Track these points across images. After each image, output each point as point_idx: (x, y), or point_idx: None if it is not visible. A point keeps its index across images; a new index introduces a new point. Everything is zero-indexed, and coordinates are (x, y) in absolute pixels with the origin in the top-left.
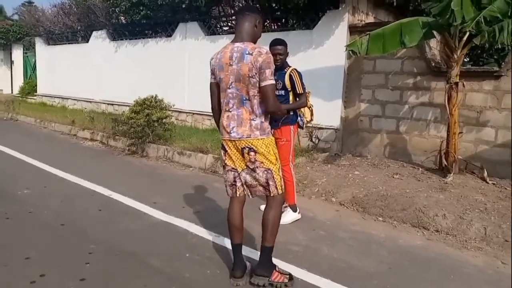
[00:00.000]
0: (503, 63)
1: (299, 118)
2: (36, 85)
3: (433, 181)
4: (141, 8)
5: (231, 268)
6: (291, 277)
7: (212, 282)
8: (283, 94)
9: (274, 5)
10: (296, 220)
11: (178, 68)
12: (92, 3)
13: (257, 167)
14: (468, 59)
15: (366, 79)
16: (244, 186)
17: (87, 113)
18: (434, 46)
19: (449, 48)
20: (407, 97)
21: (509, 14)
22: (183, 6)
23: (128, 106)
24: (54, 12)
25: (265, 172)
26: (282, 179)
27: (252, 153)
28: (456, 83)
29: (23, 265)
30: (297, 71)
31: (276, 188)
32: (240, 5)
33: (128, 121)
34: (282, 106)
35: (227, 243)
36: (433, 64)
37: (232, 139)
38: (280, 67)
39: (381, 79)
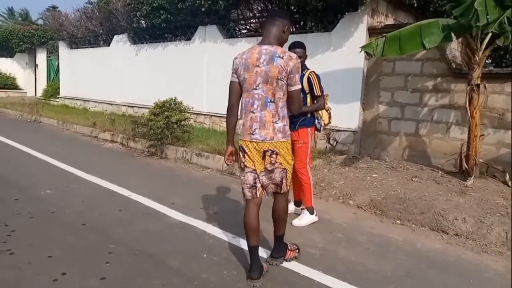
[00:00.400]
0: None
1: (316, 120)
2: (58, 88)
3: (453, 185)
4: (162, 12)
5: (247, 270)
6: (299, 249)
7: (229, 283)
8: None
9: (292, 7)
10: (313, 223)
11: (196, 71)
12: (114, 7)
13: (276, 168)
14: (490, 60)
15: (385, 81)
16: (262, 187)
17: (107, 115)
18: (454, 47)
19: (471, 49)
20: (427, 99)
21: None
22: (202, 9)
23: (148, 108)
24: (77, 17)
25: (282, 172)
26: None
27: (274, 156)
28: (478, 85)
29: (46, 263)
30: (315, 73)
31: (287, 185)
32: (259, 8)
33: (148, 123)
34: (306, 108)
35: (243, 244)
36: (454, 66)
37: (254, 140)
38: None
39: (401, 81)
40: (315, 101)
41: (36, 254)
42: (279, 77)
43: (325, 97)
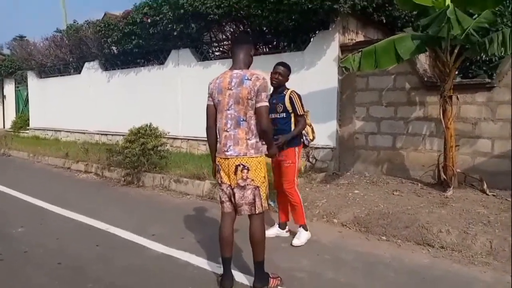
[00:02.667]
0: (494, 75)
1: (304, 137)
2: (28, 119)
3: (433, 196)
4: (133, 37)
5: (218, 280)
6: (280, 278)
7: None
8: (284, 116)
9: (265, 28)
10: (302, 245)
11: (171, 95)
12: (84, 34)
13: (247, 184)
14: (457, 72)
15: (360, 96)
16: (235, 203)
17: (80, 145)
18: (424, 61)
19: (441, 62)
20: (402, 112)
21: (498, 22)
22: (175, 33)
23: (123, 135)
24: (45, 45)
25: (254, 190)
26: (267, 197)
27: (245, 171)
28: (450, 97)
29: None
30: (296, 92)
31: (262, 205)
32: (231, 30)
33: (123, 150)
34: (286, 135)
35: None
36: (425, 79)
37: (228, 157)
38: (278, 90)
39: (375, 96)
40: (298, 120)
41: None
42: (249, 97)
43: (306, 113)
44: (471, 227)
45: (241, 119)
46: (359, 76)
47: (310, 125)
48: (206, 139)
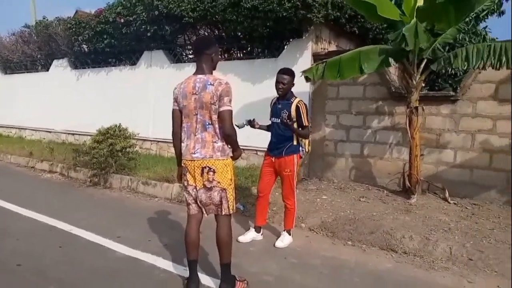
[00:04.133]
0: (458, 88)
1: (300, 148)
2: None
3: (398, 203)
4: (105, 36)
5: (184, 283)
6: (247, 281)
7: None
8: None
9: (240, 34)
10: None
11: (142, 96)
12: (54, 31)
13: (214, 186)
14: (424, 84)
15: (330, 105)
16: (201, 204)
17: (46, 144)
18: (392, 72)
19: (408, 74)
20: (370, 121)
21: (465, 40)
22: (148, 34)
23: (90, 135)
24: (12, 41)
25: (220, 192)
26: (234, 200)
27: (211, 173)
28: (416, 108)
29: None
30: (303, 102)
31: (228, 207)
32: (206, 33)
33: (90, 151)
34: (292, 127)
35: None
36: (393, 90)
37: (195, 159)
38: (285, 97)
39: (345, 105)
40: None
41: None
42: (211, 102)
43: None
44: (432, 233)
45: (207, 123)
46: (330, 85)
47: (309, 139)
48: None
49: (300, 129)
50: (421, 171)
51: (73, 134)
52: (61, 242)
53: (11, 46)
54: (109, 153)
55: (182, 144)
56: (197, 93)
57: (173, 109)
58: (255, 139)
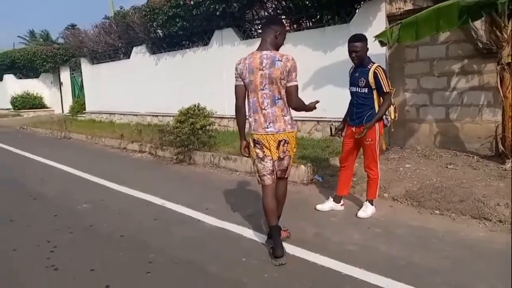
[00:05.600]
0: None
1: (384, 116)
2: (84, 103)
3: (490, 169)
4: (177, 20)
5: (271, 253)
6: (289, 231)
7: (271, 285)
8: (366, 92)
9: (307, 2)
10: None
11: (217, 75)
12: (131, 20)
13: (286, 155)
14: None
15: (410, 67)
16: (275, 173)
17: (134, 126)
18: (479, 26)
19: (498, 27)
20: (455, 82)
21: None
22: (217, 13)
23: (173, 116)
24: (96, 32)
25: (289, 159)
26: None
27: (286, 145)
28: (508, 64)
29: (89, 277)
30: (381, 68)
31: (290, 170)
32: (273, 6)
33: (174, 130)
34: (370, 124)
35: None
36: (480, 46)
37: (270, 133)
38: (361, 64)
39: (426, 67)
40: (381, 98)
41: (79, 269)
42: (281, 77)
43: (391, 91)
44: None
45: (276, 98)
46: (409, 47)
47: (394, 104)
48: None
49: (380, 98)
50: None
51: (156, 116)
52: (156, 215)
53: (95, 38)
54: (191, 131)
55: (250, 119)
56: (264, 68)
57: (236, 85)
58: (332, 110)
